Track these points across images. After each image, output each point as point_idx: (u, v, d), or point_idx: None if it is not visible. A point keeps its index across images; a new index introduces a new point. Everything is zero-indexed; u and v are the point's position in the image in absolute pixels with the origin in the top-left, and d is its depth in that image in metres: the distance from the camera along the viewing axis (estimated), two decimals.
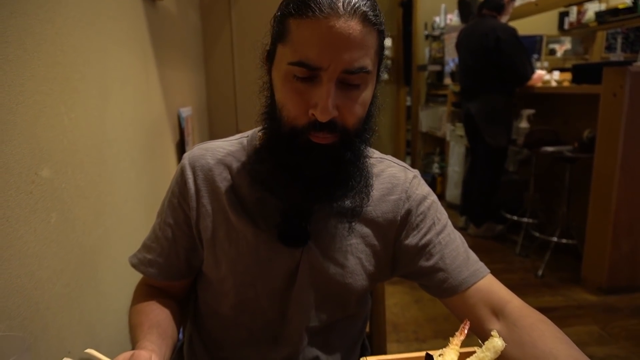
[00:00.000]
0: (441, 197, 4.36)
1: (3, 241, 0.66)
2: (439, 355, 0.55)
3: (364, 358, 0.60)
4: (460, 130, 3.70)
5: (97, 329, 0.98)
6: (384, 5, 5.59)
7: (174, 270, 0.79)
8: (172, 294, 0.82)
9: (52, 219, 0.81)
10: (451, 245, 0.74)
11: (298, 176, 0.64)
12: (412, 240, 0.75)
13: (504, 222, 3.35)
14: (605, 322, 2.16)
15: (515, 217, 3.23)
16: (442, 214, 0.77)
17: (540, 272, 2.70)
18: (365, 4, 0.59)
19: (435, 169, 4.47)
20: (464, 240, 0.78)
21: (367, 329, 0.99)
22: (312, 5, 0.57)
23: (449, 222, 0.78)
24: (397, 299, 2.43)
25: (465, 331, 0.59)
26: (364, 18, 0.59)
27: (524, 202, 3.27)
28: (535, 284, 2.62)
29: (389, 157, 0.81)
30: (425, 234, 0.75)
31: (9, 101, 0.69)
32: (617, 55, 4.09)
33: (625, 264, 2.40)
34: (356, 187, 0.68)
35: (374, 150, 0.80)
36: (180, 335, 0.97)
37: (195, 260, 0.79)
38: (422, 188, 0.78)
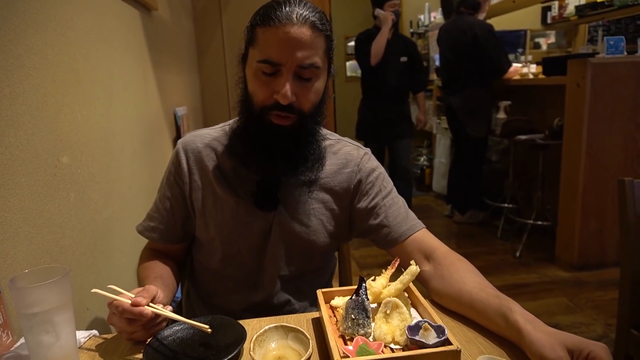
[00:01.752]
0: (429, 188, 4.55)
1: (36, 212, 0.84)
2: (372, 280, 0.73)
3: (319, 290, 0.78)
4: (445, 123, 3.88)
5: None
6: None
7: (173, 235, 0.97)
8: (172, 256, 1.00)
9: (71, 197, 0.98)
10: (394, 207, 0.93)
11: (266, 151, 0.83)
12: (362, 204, 0.93)
13: (487, 209, 3.53)
14: (573, 295, 2.34)
15: (496, 204, 3.41)
16: (388, 183, 0.96)
17: (518, 253, 2.89)
18: (314, 15, 0.78)
19: (424, 161, 4.65)
20: (405, 203, 0.96)
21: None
22: (273, 17, 0.76)
23: (394, 189, 0.96)
24: None
25: (396, 265, 0.77)
26: (313, 26, 0.77)
27: (505, 189, 3.45)
28: (513, 263, 2.80)
29: (346, 138, 1.00)
30: (373, 199, 0.93)
31: (36, 101, 0.87)
32: (599, 47, 4.27)
33: (594, 242, 2.58)
34: (311, 158, 0.86)
35: (333, 133, 0.98)
36: (178, 295, 1.15)
37: (189, 226, 0.97)
38: (372, 162, 0.96)
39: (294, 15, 0.76)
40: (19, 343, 0.69)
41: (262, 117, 0.81)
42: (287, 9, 0.77)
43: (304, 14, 0.77)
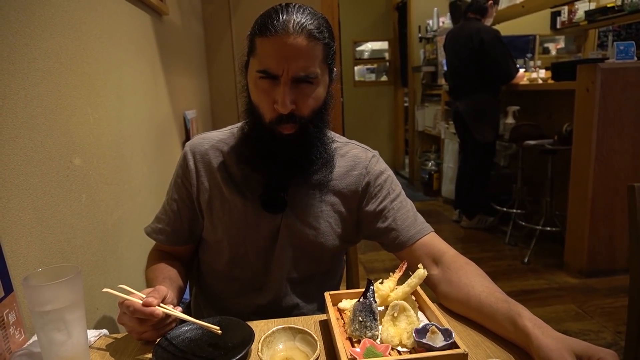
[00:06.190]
0: (437, 193, 4.53)
1: (49, 212, 0.85)
2: (380, 282, 0.73)
3: (327, 292, 0.79)
4: (453, 128, 3.87)
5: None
6: (381, 9, 5.78)
7: (180, 237, 0.98)
8: (179, 257, 1.01)
9: (82, 198, 1.00)
10: (402, 210, 0.93)
11: (272, 157, 0.84)
12: (371, 206, 0.93)
13: (495, 214, 3.51)
14: (582, 302, 2.32)
15: (504, 209, 3.39)
16: (396, 186, 0.96)
17: (526, 259, 2.86)
18: (311, 23, 0.78)
19: (432, 166, 4.63)
20: (414, 207, 0.96)
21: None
22: (270, 27, 0.76)
23: (402, 192, 0.97)
24: None
25: (404, 269, 0.77)
26: (309, 35, 0.77)
27: (513, 194, 3.43)
28: (521, 269, 2.78)
29: (353, 141, 1.01)
30: (381, 202, 0.93)
31: (50, 103, 0.88)
32: (608, 52, 4.25)
33: (604, 248, 2.55)
34: (318, 163, 0.86)
35: (341, 136, 0.99)
36: (187, 296, 1.16)
37: (196, 228, 0.98)
38: (380, 165, 0.97)
39: (290, 25, 0.76)
40: (31, 340, 0.70)
41: (270, 130, 0.82)
42: (284, 17, 0.76)
43: (302, 22, 0.76)
